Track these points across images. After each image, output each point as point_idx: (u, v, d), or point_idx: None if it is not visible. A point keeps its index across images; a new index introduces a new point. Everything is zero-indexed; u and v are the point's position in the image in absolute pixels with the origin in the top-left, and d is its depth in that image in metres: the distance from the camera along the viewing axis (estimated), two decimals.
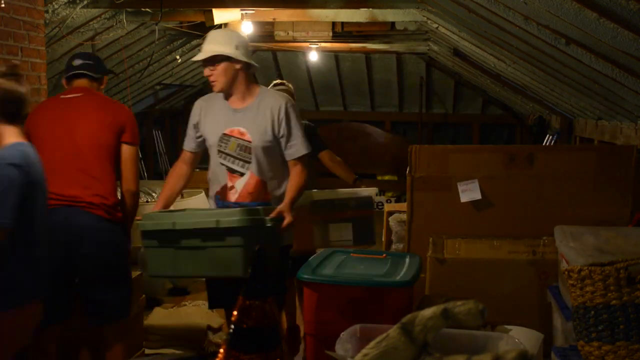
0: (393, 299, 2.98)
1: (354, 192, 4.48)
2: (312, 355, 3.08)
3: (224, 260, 2.92)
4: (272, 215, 3.12)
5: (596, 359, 2.05)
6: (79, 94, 3.31)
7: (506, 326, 2.93)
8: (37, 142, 2.86)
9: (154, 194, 6.86)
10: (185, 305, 4.83)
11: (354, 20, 6.34)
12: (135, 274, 3.75)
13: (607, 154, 3.60)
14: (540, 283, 3.32)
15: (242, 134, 3.32)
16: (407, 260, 3.32)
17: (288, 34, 7.09)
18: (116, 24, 5.87)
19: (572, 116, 6.36)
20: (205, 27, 6.46)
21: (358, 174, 6.93)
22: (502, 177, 3.60)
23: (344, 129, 10.41)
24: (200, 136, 3.44)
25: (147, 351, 4.13)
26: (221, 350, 1.42)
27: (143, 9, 5.65)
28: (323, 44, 7.93)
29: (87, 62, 3.40)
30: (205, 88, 10.47)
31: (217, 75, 3.25)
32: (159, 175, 10.07)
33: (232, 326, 1.41)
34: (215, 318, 4.45)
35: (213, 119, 3.36)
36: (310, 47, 8.34)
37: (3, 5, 3.95)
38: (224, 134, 3.33)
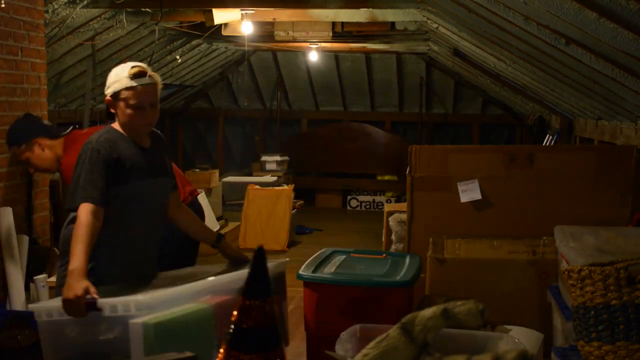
0: (393, 299, 2.99)
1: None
2: (312, 355, 3.09)
3: None
4: None
5: (596, 359, 2.05)
6: None
7: (506, 326, 2.93)
8: None
9: None
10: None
11: (354, 20, 6.33)
12: None
13: (607, 154, 3.60)
14: (540, 283, 3.32)
15: None
16: (407, 260, 3.33)
17: (288, 34, 7.08)
18: (116, 24, 5.87)
19: (572, 116, 6.36)
20: (205, 27, 6.47)
21: (358, 174, 6.92)
22: (502, 177, 3.60)
23: (344, 129, 10.42)
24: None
25: None
26: (221, 350, 1.42)
27: (143, 9, 5.65)
28: (323, 44, 7.92)
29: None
30: (204, 88, 10.48)
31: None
32: None
33: (232, 326, 1.41)
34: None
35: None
36: (310, 47, 8.34)
37: (3, 5, 3.95)
38: None
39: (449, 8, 4.32)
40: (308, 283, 3.11)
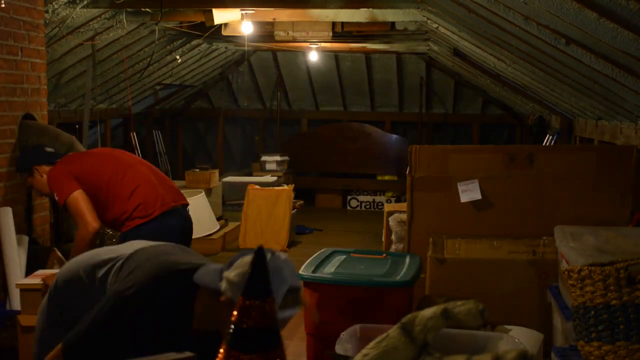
0: (393, 298, 2.99)
1: None
2: (312, 355, 3.09)
3: None
4: None
5: (596, 359, 2.05)
6: None
7: (506, 326, 2.93)
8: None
9: None
10: None
11: (354, 20, 6.33)
12: None
13: (607, 154, 3.60)
14: (540, 283, 3.32)
15: None
16: (407, 260, 3.33)
17: (288, 34, 7.08)
18: (116, 24, 5.87)
19: (572, 116, 6.36)
20: (205, 27, 6.47)
21: (358, 174, 6.94)
22: (502, 177, 3.60)
23: (344, 129, 10.42)
24: None
25: None
26: (221, 350, 1.41)
27: (143, 9, 5.65)
28: (323, 44, 7.92)
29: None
30: (204, 88, 10.48)
31: None
32: None
33: (232, 326, 1.41)
34: None
35: None
36: (310, 47, 8.34)
37: (3, 5, 3.95)
38: None
39: (449, 8, 4.32)
40: (308, 283, 3.11)
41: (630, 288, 2.00)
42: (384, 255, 3.51)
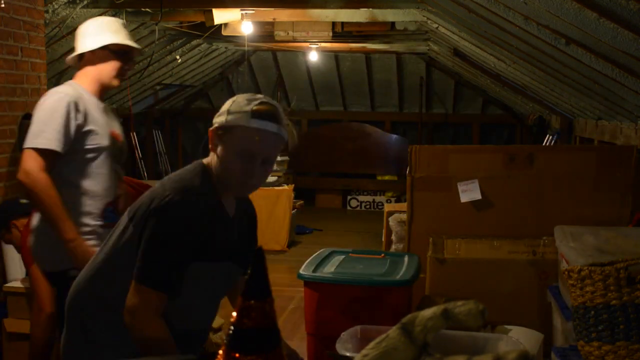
0: (393, 298, 2.99)
1: None
2: (312, 355, 3.09)
3: None
4: None
5: (596, 359, 2.05)
6: None
7: (506, 326, 2.93)
8: None
9: None
10: None
11: (354, 20, 6.34)
12: None
13: (607, 154, 3.60)
14: (540, 283, 3.32)
15: (118, 135, 2.98)
16: (406, 259, 3.33)
17: (288, 34, 7.08)
18: None
19: (572, 116, 6.36)
20: (205, 27, 6.47)
21: (358, 174, 6.93)
22: (502, 177, 3.60)
23: (344, 129, 10.42)
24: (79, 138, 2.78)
25: None
26: (220, 352, 1.41)
27: (143, 9, 5.65)
28: (323, 44, 7.93)
29: None
30: (204, 88, 10.48)
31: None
32: (159, 175, 10.07)
33: (231, 327, 1.40)
34: (215, 318, 4.45)
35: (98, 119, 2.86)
36: (310, 47, 8.34)
37: (3, 5, 3.95)
38: (111, 135, 2.91)
39: (449, 8, 4.32)
40: (308, 283, 3.11)
41: (630, 288, 2.00)
42: (383, 255, 3.51)
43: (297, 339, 4.53)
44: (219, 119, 1.94)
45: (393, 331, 2.07)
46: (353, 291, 3.01)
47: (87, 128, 2.74)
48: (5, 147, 4.16)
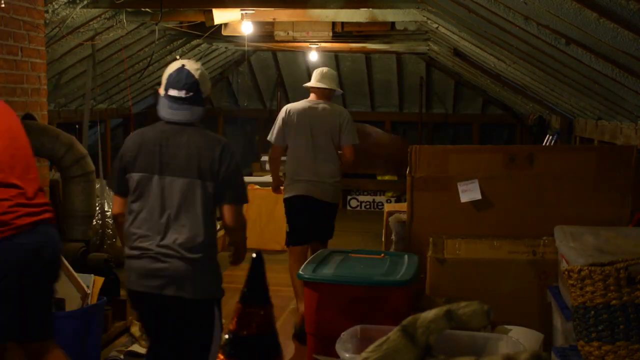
0: (393, 298, 2.99)
1: None
2: (312, 355, 3.09)
3: None
4: None
5: (596, 359, 2.05)
6: None
7: (506, 326, 2.93)
8: None
9: None
10: None
11: (354, 20, 6.33)
12: None
13: (607, 154, 3.60)
14: (540, 283, 3.33)
15: None
16: (406, 259, 3.33)
17: (288, 34, 7.08)
18: (116, 24, 5.87)
19: (572, 116, 6.36)
20: (205, 27, 6.46)
21: (358, 174, 6.91)
22: (502, 177, 3.60)
23: None
24: None
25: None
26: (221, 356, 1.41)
27: (143, 9, 5.65)
28: (323, 44, 7.92)
29: None
30: None
31: None
32: None
33: (230, 334, 1.39)
34: None
35: None
36: (310, 47, 8.33)
37: (3, 5, 3.95)
38: None
39: (449, 8, 4.32)
40: (308, 283, 3.11)
41: (630, 288, 2.00)
42: (383, 255, 3.52)
43: (297, 339, 4.53)
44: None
45: (394, 333, 2.07)
46: (353, 291, 3.02)
47: None
48: None
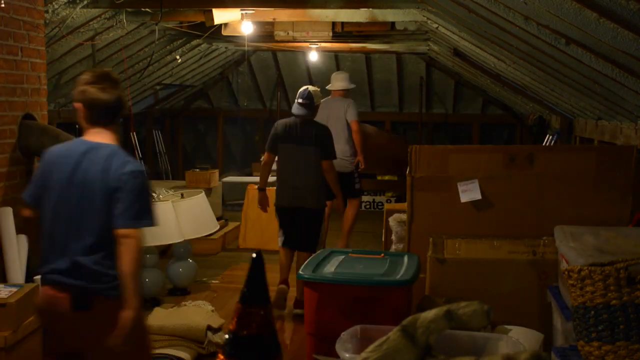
0: (393, 298, 2.99)
1: None
2: (313, 354, 3.09)
3: None
4: None
5: (596, 359, 2.05)
6: None
7: (506, 326, 2.93)
8: None
9: (153, 194, 6.86)
10: (185, 305, 4.82)
11: (354, 20, 6.33)
12: None
13: (607, 154, 3.60)
14: (540, 283, 3.32)
15: None
16: (406, 259, 3.33)
17: (288, 34, 7.08)
18: (116, 24, 5.87)
19: (572, 116, 6.36)
20: (205, 27, 6.46)
21: (358, 174, 6.97)
22: (502, 177, 3.60)
23: None
24: None
25: None
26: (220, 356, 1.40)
27: (143, 9, 5.65)
28: (323, 44, 7.92)
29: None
30: (204, 88, 10.47)
31: None
32: (159, 175, 10.07)
33: (230, 334, 1.39)
34: (215, 318, 4.45)
35: None
36: (310, 47, 8.33)
37: (3, 5, 3.95)
38: None
39: (449, 8, 4.32)
40: (309, 283, 3.11)
41: (630, 288, 2.00)
42: (382, 255, 3.51)
43: (297, 339, 4.53)
44: None
45: (394, 333, 2.07)
46: (353, 291, 3.01)
47: None
48: (5, 147, 4.16)
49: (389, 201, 9.84)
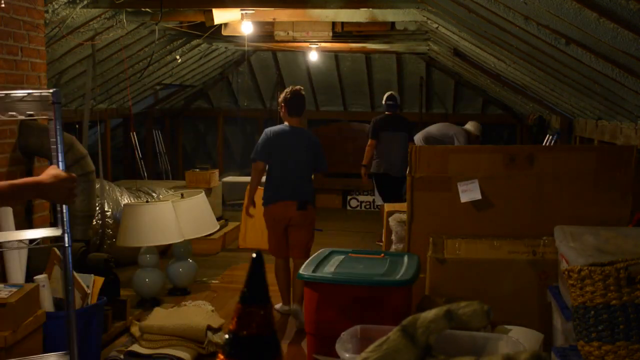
0: (393, 298, 2.99)
1: None
2: (313, 354, 3.09)
3: None
4: None
5: (596, 359, 2.05)
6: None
7: (506, 326, 2.93)
8: None
9: (153, 194, 6.86)
10: (185, 305, 4.83)
11: (354, 20, 6.33)
12: None
13: (607, 154, 3.60)
14: (540, 283, 3.33)
15: None
16: (406, 259, 3.33)
17: (288, 34, 7.08)
18: (116, 24, 5.87)
19: (572, 116, 6.36)
20: (205, 27, 6.47)
21: (358, 174, 7.02)
22: (502, 177, 3.60)
23: (344, 129, 10.41)
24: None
25: (146, 351, 4.13)
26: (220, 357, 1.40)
27: (143, 9, 5.65)
28: (323, 44, 7.92)
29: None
30: (204, 88, 10.47)
31: None
32: (159, 175, 10.07)
33: (230, 334, 1.39)
34: (215, 318, 4.45)
35: None
36: (310, 47, 8.33)
37: (3, 5, 3.95)
38: None
39: (449, 8, 4.32)
40: (309, 282, 3.11)
41: (630, 288, 2.00)
42: (382, 255, 3.51)
43: (297, 339, 4.53)
44: None
45: (393, 333, 2.06)
46: (353, 291, 3.01)
47: None
48: (5, 147, 4.16)
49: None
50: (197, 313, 4.50)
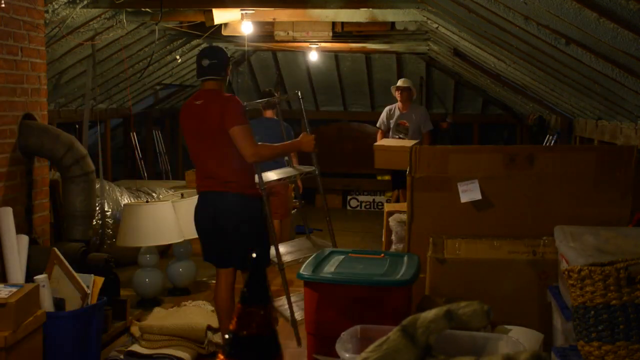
0: (393, 298, 2.99)
1: None
2: (313, 354, 3.09)
3: None
4: None
5: (596, 359, 2.05)
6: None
7: (506, 326, 2.93)
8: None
9: (153, 194, 6.86)
10: (185, 305, 4.83)
11: (354, 20, 6.33)
12: None
13: (607, 154, 3.60)
14: (540, 283, 3.32)
15: None
16: (406, 259, 3.33)
17: (288, 34, 7.08)
18: (116, 24, 5.87)
19: (572, 116, 6.36)
20: (205, 27, 6.47)
21: (358, 174, 7.01)
22: (502, 178, 3.60)
23: (344, 129, 10.41)
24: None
25: (146, 351, 4.13)
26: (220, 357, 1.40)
27: (143, 9, 5.65)
28: (323, 44, 7.92)
29: (212, 61, 4.00)
30: None
31: None
32: (159, 175, 10.06)
33: (229, 335, 1.39)
34: (215, 318, 4.45)
35: None
36: (310, 47, 8.33)
37: (3, 5, 3.95)
38: None
39: (449, 8, 4.32)
40: (309, 283, 3.11)
41: (630, 288, 2.00)
42: (382, 255, 3.51)
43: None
44: None
45: (393, 333, 2.06)
46: (353, 291, 3.01)
47: None
48: (5, 147, 4.16)
49: (388, 201, 9.84)
50: (197, 313, 4.50)
